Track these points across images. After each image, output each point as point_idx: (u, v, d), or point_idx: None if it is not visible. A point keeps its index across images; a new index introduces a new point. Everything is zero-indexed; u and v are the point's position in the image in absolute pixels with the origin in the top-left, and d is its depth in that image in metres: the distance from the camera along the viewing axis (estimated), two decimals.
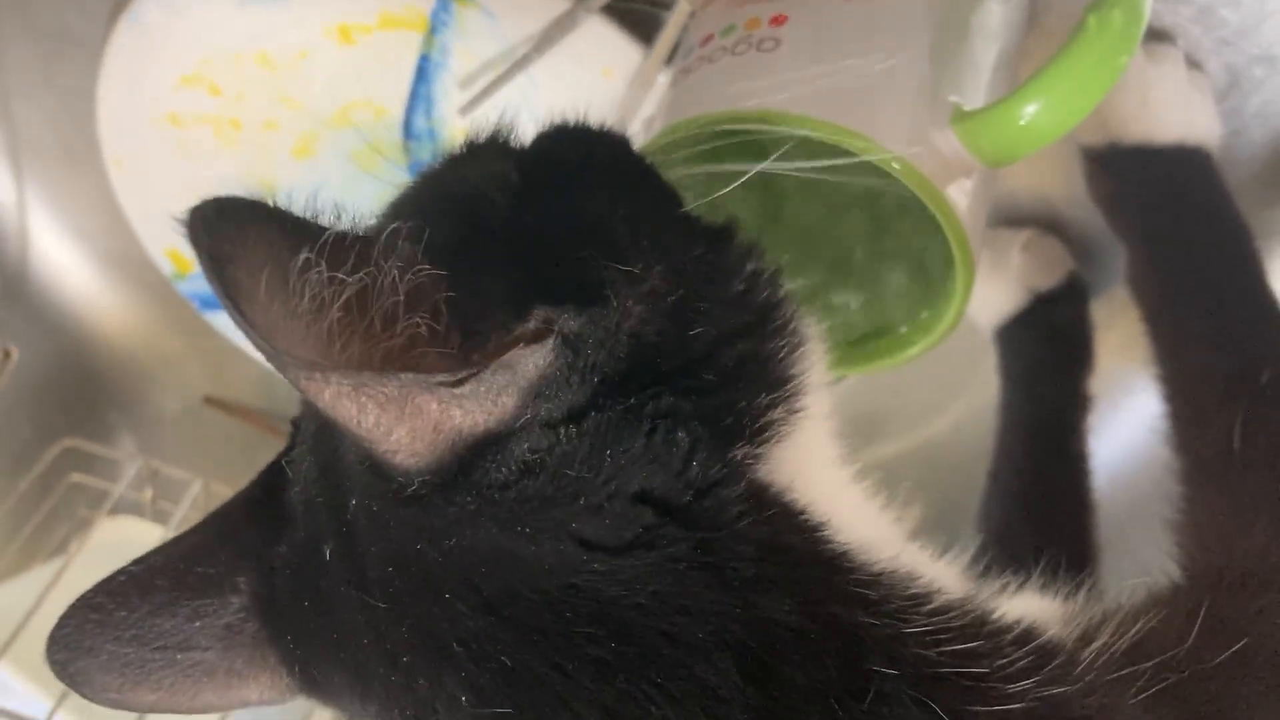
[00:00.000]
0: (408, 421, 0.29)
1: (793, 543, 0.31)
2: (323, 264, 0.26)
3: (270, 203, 0.26)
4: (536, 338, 0.30)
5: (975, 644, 0.30)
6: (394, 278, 0.27)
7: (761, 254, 0.35)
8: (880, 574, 0.31)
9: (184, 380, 0.84)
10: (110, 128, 0.65)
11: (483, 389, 0.29)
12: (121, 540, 0.78)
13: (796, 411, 0.33)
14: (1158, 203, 0.48)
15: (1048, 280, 0.57)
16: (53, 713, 0.62)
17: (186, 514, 0.75)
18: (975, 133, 0.40)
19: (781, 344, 0.33)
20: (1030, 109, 0.38)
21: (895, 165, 0.39)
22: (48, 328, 0.79)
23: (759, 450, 0.31)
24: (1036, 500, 0.55)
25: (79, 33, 0.64)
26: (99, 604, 0.35)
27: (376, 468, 0.30)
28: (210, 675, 0.36)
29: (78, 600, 0.35)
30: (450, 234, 0.32)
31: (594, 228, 0.33)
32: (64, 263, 0.77)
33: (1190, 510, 0.41)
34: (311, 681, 0.35)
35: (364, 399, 0.28)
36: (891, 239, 0.48)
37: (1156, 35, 0.49)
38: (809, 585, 0.30)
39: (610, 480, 0.29)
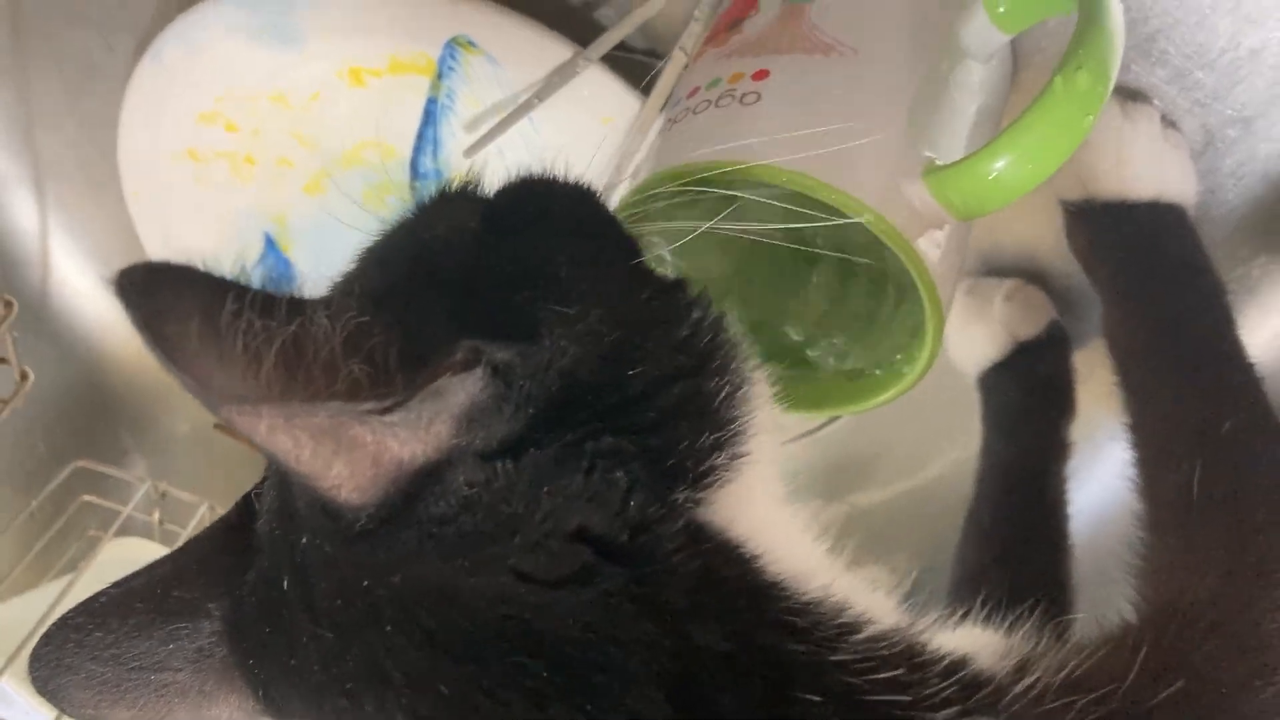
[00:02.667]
0: (344, 454, 0.30)
1: (726, 574, 0.32)
2: (253, 313, 0.27)
3: (199, 265, 0.28)
4: (465, 367, 0.31)
5: (900, 672, 0.31)
6: (326, 325, 0.29)
7: (708, 303, 0.36)
8: (810, 603, 0.32)
9: (194, 407, 0.85)
10: (130, 160, 0.67)
11: (413, 416, 0.30)
12: (127, 560, 0.80)
13: (740, 457, 0.34)
14: (1132, 257, 0.50)
15: (1030, 329, 0.58)
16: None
17: (192, 536, 0.77)
18: (946, 186, 0.41)
19: (723, 383, 0.34)
20: (998, 164, 0.40)
21: (867, 218, 0.40)
22: (65, 351, 0.81)
23: (700, 495, 0.32)
24: (1012, 542, 0.56)
25: (103, 66, 0.66)
26: (80, 624, 0.37)
27: (324, 508, 0.31)
28: (182, 696, 0.37)
29: (59, 620, 0.37)
30: (402, 279, 0.33)
31: (537, 271, 0.34)
32: (82, 289, 0.80)
33: (1149, 553, 0.42)
34: (274, 704, 0.36)
35: (297, 431, 0.29)
36: (869, 287, 0.50)
37: (1133, 95, 0.50)
38: (740, 614, 0.31)
39: (548, 518, 0.31)
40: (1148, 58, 0.49)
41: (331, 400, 0.29)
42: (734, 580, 0.32)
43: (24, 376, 0.71)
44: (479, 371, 0.31)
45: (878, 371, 0.48)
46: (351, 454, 0.30)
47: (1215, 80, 0.49)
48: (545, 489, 0.31)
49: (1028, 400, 0.58)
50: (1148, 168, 0.50)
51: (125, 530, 0.81)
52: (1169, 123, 0.51)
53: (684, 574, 0.31)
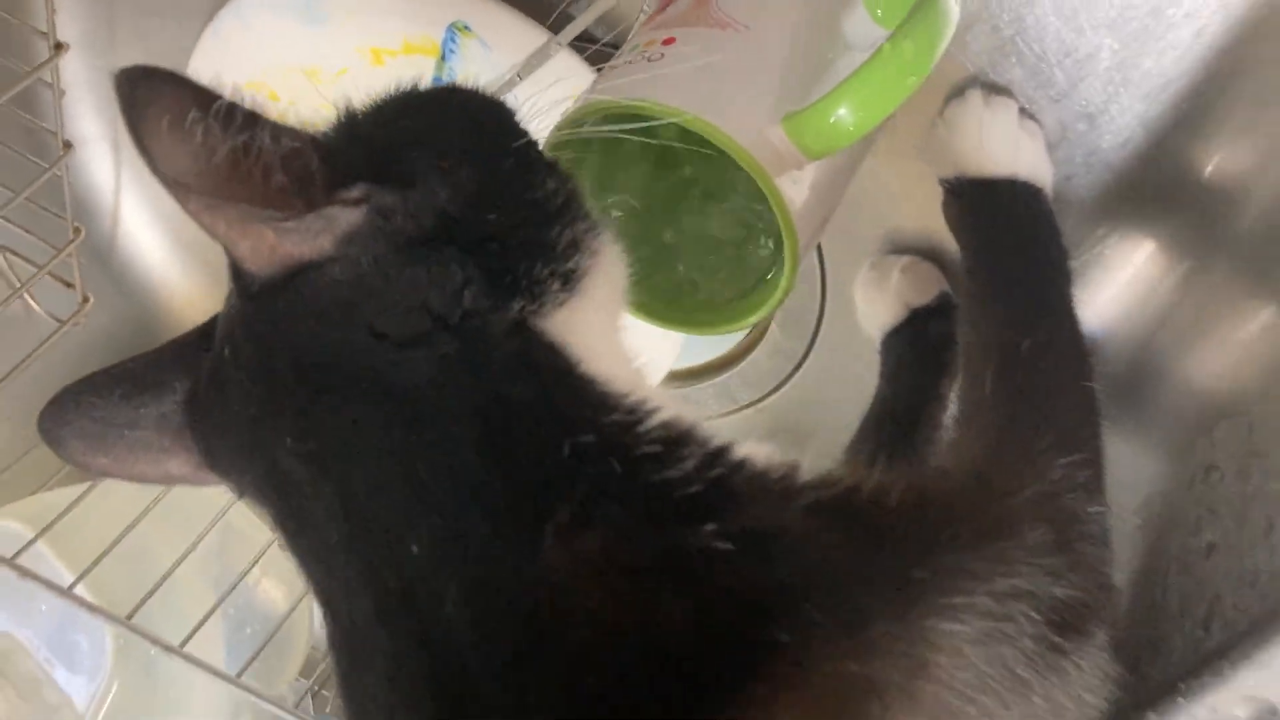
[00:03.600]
0: (249, 240, 0.41)
1: (543, 360, 0.41)
2: (211, 122, 0.38)
3: (184, 74, 0.39)
4: (356, 203, 0.42)
5: (664, 434, 0.40)
6: (268, 143, 0.39)
7: (567, 178, 0.46)
8: (610, 393, 0.41)
9: None
10: None
11: (304, 228, 0.41)
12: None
13: (573, 288, 0.43)
14: (988, 222, 0.58)
15: (922, 298, 0.67)
16: (74, 584, 0.74)
17: None
18: (797, 128, 0.51)
19: (564, 233, 0.44)
20: (838, 111, 0.49)
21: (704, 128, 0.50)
22: (125, 290, 0.94)
23: (535, 308, 0.42)
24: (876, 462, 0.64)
25: (176, 45, 0.79)
26: (79, 390, 0.48)
27: (236, 272, 0.42)
28: (146, 449, 0.48)
29: (65, 388, 0.48)
30: (338, 134, 0.45)
31: (429, 136, 0.45)
32: (145, 238, 0.93)
33: (950, 440, 0.51)
34: (211, 454, 0.46)
35: (215, 215, 0.40)
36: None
37: (996, 89, 0.59)
38: (545, 385, 0.40)
39: (398, 293, 0.41)
40: (1008, 58, 0.59)
41: (262, 198, 0.40)
42: (548, 365, 0.41)
43: (85, 300, 0.84)
44: (365, 207, 0.42)
45: (753, 296, 0.58)
46: (254, 241, 0.41)
47: (1065, 78, 0.58)
48: (398, 275, 0.41)
49: (915, 356, 0.67)
50: (1004, 150, 0.59)
51: None
52: (1029, 115, 0.60)
53: (507, 353, 0.41)
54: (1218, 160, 0.56)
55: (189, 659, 0.73)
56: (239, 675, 0.75)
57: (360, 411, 0.40)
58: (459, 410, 0.39)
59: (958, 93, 0.60)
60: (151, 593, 0.74)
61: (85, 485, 0.85)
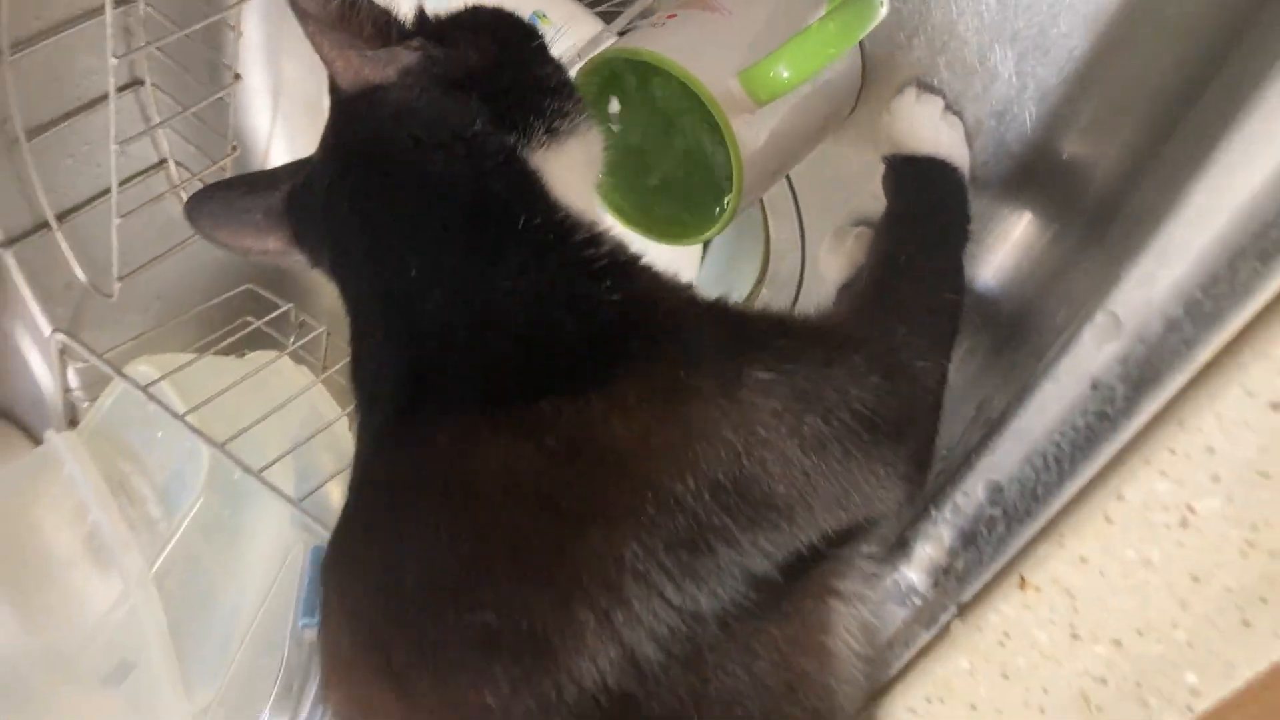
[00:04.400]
0: (340, 59, 0.60)
1: (519, 174, 0.59)
2: None
3: None
4: (415, 50, 0.61)
5: (593, 235, 0.58)
6: (365, 3, 0.60)
7: (562, 69, 0.65)
8: (563, 207, 0.59)
9: None
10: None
11: (378, 58, 0.60)
12: (256, 361, 1.12)
13: (554, 140, 0.62)
14: (907, 185, 0.75)
15: None
16: (186, 414, 0.94)
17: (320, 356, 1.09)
18: (748, 79, 0.68)
19: (555, 101, 0.63)
20: (775, 66, 0.67)
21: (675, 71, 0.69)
22: None
23: (524, 142, 0.61)
24: None
25: None
26: (217, 187, 0.69)
27: (333, 85, 0.62)
28: (254, 228, 0.68)
29: (207, 185, 0.69)
30: (418, 16, 0.65)
31: (470, 24, 0.65)
32: None
33: None
34: (299, 229, 0.66)
35: (324, 38, 0.59)
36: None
37: (928, 87, 0.76)
38: (517, 187, 0.59)
39: (433, 113, 0.60)
40: (939, 64, 0.76)
41: (356, 36, 0.60)
42: (522, 177, 0.60)
43: None
44: (420, 53, 0.61)
45: (716, 212, 0.76)
46: (345, 62, 0.60)
47: (980, 82, 0.75)
48: (435, 102, 0.60)
49: None
50: (929, 135, 0.75)
51: (267, 345, 1.13)
52: (953, 110, 0.76)
53: (497, 163, 0.59)
54: (1075, 149, 0.72)
55: (263, 480, 0.92)
56: (301, 501, 0.94)
57: (396, 185, 0.60)
58: (458, 190, 0.58)
59: (899, 90, 0.77)
60: (246, 429, 0.94)
61: (203, 355, 1.06)
